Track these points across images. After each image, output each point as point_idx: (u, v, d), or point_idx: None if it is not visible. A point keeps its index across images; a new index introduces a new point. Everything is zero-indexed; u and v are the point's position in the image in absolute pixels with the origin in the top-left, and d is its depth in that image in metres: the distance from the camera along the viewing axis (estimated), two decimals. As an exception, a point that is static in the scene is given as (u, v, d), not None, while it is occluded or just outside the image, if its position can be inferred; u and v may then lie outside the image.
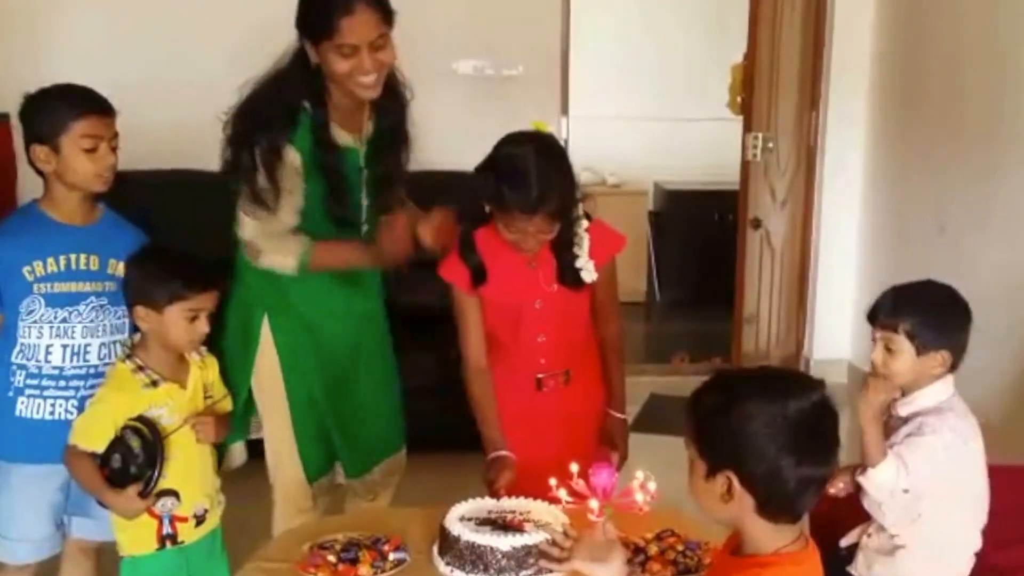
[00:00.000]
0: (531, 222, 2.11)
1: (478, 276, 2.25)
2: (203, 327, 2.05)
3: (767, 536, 1.44)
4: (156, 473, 1.98)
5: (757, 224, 4.82)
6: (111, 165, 2.19)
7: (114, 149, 2.20)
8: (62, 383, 2.19)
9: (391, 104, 2.37)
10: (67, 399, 2.18)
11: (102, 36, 4.26)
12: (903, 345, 1.97)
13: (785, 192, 4.80)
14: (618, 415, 2.45)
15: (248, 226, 2.29)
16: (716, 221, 6.09)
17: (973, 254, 3.65)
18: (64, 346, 2.19)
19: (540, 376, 2.33)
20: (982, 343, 3.52)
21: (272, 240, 2.28)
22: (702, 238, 6.21)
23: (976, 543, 2.09)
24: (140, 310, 2.04)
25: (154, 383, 2.04)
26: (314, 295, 2.39)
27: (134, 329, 2.16)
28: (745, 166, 4.80)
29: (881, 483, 1.92)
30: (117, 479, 1.98)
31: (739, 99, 5.06)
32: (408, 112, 2.45)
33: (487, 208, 2.18)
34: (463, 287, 2.27)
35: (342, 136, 2.31)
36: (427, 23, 4.26)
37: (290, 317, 2.40)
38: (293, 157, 2.23)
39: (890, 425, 2.02)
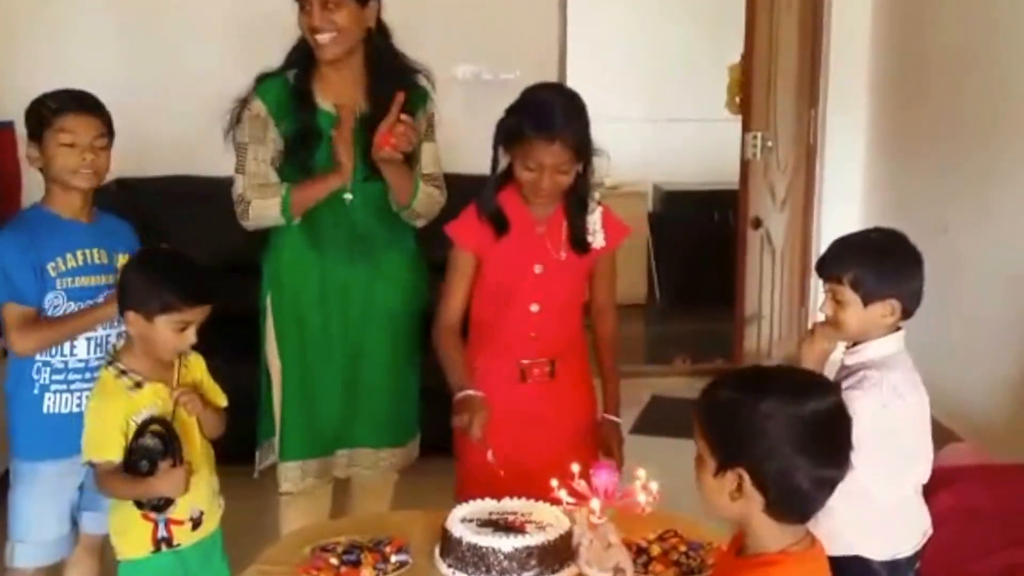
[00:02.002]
0: (549, 151, 2.15)
1: (500, 225, 2.26)
2: (190, 338, 2.05)
3: (773, 535, 1.43)
4: (176, 445, 1.97)
5: (757, 224, 4.81)
6: (90, 162, 2.24)
7: (102, 149, 2.26)
8: (88, 375, 2.25)
9: (384, 81, 2.46)
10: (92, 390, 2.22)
11: (108, 47, 4.26)
12: (849, 296, 1.94)
13: (785, 191, 4.80)
14: (613, 419, 2.41)
15: (238, 182, 2.46)
16: (716, 221, 6.09)
17: (974, 253, 3.66)
18: (88, 339, 2.27)
19: (525, 363, 2.31)
20: (985, 341, 3.55)
21: (257, 189, 2.44)
22: (702, 239, 6.20)
23: (913, 511, 2.05)
24: (131, 315, 2.03)
25: (138, 385, 2.04)
26: (306, 282, 2.51)
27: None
28: (744, 166, 4.80)
29: None
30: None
31: (737, 99, 5.07)
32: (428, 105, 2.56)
33: (504, 156, 2.23)
34: (465, 243, 2.29)
35: (324, 101, 2.46)
36: (424, 29, 4.24)
37: (284, 295, 2.53)
38: (258, 107, 2.44)
39: (836, 375, 2.01)
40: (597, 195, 2.33)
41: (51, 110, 2.23)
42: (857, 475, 1.90)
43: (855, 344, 2.00)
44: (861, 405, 1.89)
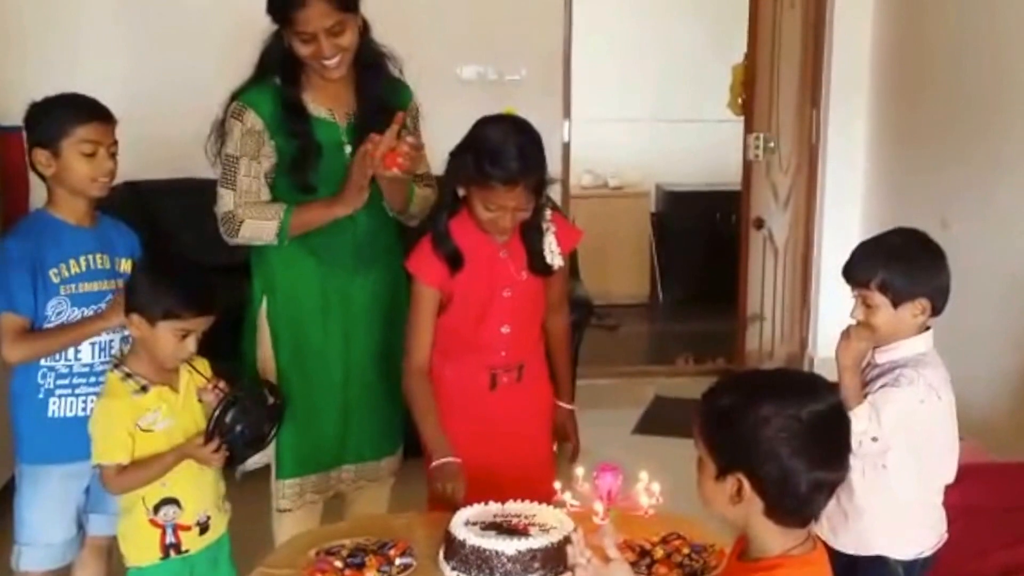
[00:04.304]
0: (511, 195, 2.12)
1: (455, 262, 2.23)
2: (191, 346, 2.06)
3: (774, 538, 1.44)
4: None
5: (759, 224, 4.81)
6: (108, 171, 2.26)
7: (113, 156, 2.27)
8: (92, 379, 2.26)
9: (372, 80, 2.41)
10: (98, 394, 2.21)
11: (116, 53, 4.28)
12: (878, 299, 1.97)
13: (787, 191, 4.79)
14: (567, 406, 2.47)
15: (227, 198, 2.36)
16: (718, 222, 6.11)
17: (977, 250, 3.66)
18: (92, 343, 2.27)
19: (495, 372, 2.31)
20: (986, 338, 3.55)
21: (252, 208, 2.35)
22: (704, 239, 6.22)
23: (937, 511, 2.07)
24: (135, 317, 2.05)
25: (144, 388, 2.06)
26: (299, 289, 2.44)
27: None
28: (747, 166, 4.80)
29: (853, 431, 1.91)
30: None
31: (740, 99, 5.07)
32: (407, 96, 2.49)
33: (460, 193, 2.19)
34: (429, 280, 2.25)
35: (315, 108, 2.38)
36: (430, 30, 4.28)
37: (280, 303, 2.46)
38: (253, 120, 2.33)
39: (866, 373, 2.03)
40: (548, 213, 2.30)
41: (71, 119, 2.21)
42: (889, 474, 1.94)
43: (883, 343, 2.02)
44: (899, 402, 1.93)
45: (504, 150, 2.10)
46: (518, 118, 2.23)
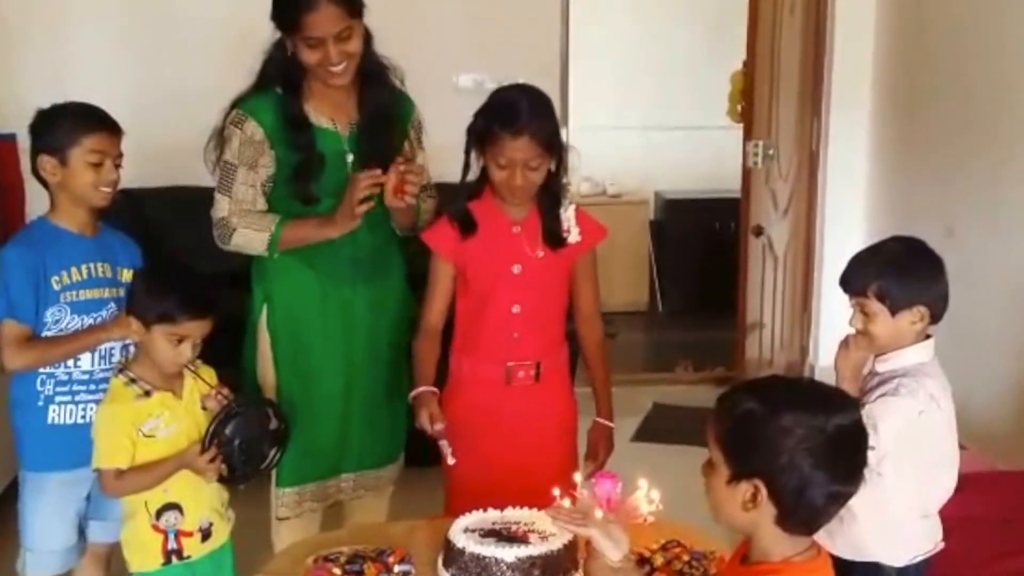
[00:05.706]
0: (518, 145, 2.17)
1: (466, 225, 2.27)
2: (187, 352, 2.06)
3: (778, 544, 1.43)
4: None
5: (759, 232, 4.81)
6: (113, 181, 2.28)
7: (118, 167, 2.29)
8: (92, 386, 2.27)
9: (375, 90, 2.42)
10: (97, 402, 2.23)
11: (112, 59, 4.30)
12: (876, 307, 1.97)
13: (787, 199, 4.79)
14: (606, 423, 2.43)
15: (222, 204, 2.38)
16: (717, 229, 6.11)
17: (980, 258, 3.66)
18: (92, 351, 2.27)
19: (510, 365, 2.31)
20: (990, 347, 3.54)
21: (245, 216, 2.37)
22: (703, 247, 6.22)
23: (933, 519, 2.06)
24: (132, 321, 2.06)
25: (147, 393, 2.06)
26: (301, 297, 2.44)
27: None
28: (746, 174, 4.79)
29: None
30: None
31: (739, 107, 5.07)
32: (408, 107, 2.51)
33: (478, 160, 2.24)
34: (440, 247, 2.30)
35: (317, 118, 2.38)
36: (427, 37, 4.29)
37: (280, 314, 2.46)
38: (253, 130, 2.34)
39: (867, 382, 2.03)
40: (569, 198, 2.34)
41: (80, 128, 2.23)
42: (885, 482, 1.93)
43: (883, 352, 2.01)
44: (897, 412, 1.92)
45: (511, 103, 2.20)
46: (532, 86, 2.29)
